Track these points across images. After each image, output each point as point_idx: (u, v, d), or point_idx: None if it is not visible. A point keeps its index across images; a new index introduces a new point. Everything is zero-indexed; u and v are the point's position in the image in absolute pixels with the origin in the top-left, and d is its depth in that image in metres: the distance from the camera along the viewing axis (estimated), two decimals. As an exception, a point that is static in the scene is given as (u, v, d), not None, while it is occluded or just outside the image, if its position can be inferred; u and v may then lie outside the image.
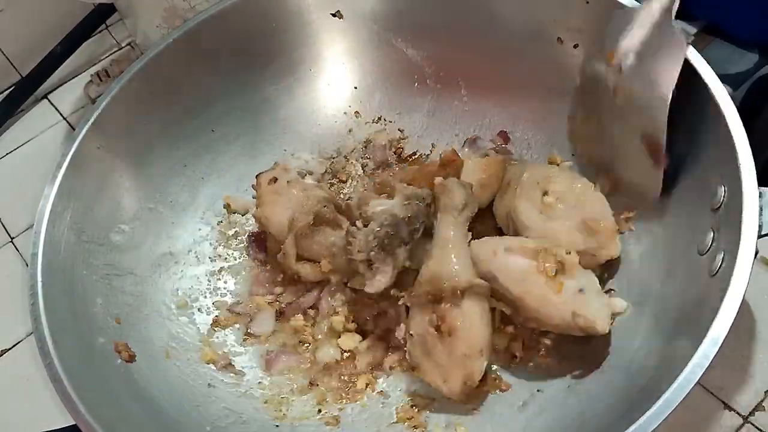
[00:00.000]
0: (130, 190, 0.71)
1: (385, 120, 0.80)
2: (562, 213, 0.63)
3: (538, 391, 0.60)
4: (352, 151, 0.80)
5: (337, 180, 0.78)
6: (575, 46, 0.69)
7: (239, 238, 0.76)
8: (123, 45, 1.01)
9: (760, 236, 0.51)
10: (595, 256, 0.62)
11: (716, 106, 0.56)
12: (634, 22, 0.55)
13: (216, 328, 0.69)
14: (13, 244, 0.83)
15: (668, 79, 0.55)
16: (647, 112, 0.57)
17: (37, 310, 0.58)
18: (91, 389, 0.56)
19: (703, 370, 0.47)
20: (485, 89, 0.76)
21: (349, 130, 0.80)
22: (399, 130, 0.80)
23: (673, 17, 0.55)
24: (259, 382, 0.66)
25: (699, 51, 0.80)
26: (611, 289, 0.63)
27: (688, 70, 0.59)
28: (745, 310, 0.63)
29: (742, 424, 0.59)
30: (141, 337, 0.65)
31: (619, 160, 0.64)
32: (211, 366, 0.66)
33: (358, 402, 0.64)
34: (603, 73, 0.58)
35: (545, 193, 0.64)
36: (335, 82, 0.80)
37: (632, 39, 0.55)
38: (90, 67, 0.99)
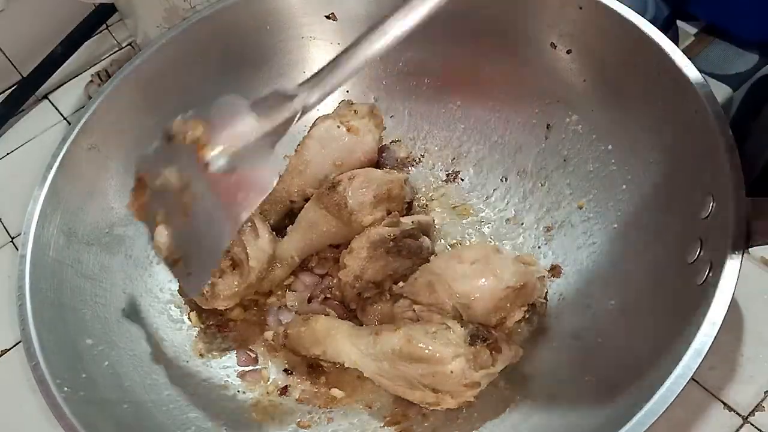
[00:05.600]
0: (121, 191, 0.71)
1: (376, 123, 0.80)
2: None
3: (524, 397, 0.60)
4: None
5: (329, 181, 0.78)
6: (568, 52, 0.69)
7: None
8: (123, 45, 1.01)
9: (747, 247, 0.50)
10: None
11: (706, 115, 0.55)
12: (243, 126, 0.49)
13: (206, 332, 0.69)
14: (13, 244, 0.83)
15: (243, 208, 0.49)
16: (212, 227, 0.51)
17: (25, 311, 0.59)
18: (77, 391, 0.56)
19: (686, 380, 0.47)
20: (478, 94, 0.76)
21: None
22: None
23: (275, 145, 0.49)
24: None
25: (699, 51, 0.80)
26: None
27: (678, 77, 0.59)
28: (745, 310, 0.64)
29: (742, 425, 0.59)
30: (130, 338, 0.65)
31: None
32: (200, 369, 0.66)
33: (346, 406, 0.64)
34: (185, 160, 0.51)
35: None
36: (328, 85, 0.80)
37: (234, 141, 0.49)
38: (90, 67, 0.99)
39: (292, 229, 0.71)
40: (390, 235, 0.66)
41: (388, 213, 0.69)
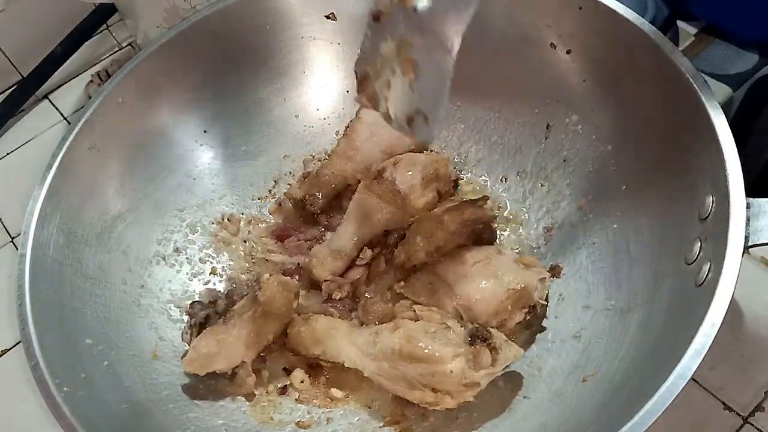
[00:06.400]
0: (121, 191, 0.71)
1: (376, 123, 0.80)
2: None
3: (524, 397, 0.60)
4: (344, 154, 0.80)
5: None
6: (568, 52, 0.69)
7: (230, 240, 0.76)
8: (123, 45, 1.01)
9: (746, 247, 0.50)
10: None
11: (706, 116, 0.55)
12: None
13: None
14: (14, 244, 0.83)
15: (456, 32, 0.55)
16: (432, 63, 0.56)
17: (24, 311, 0.59)
18: (77, 390, 0.56)
19: (686, 381, 0.46)
20: (478, 94, 0.76)
21: (338, 132, 0.80)
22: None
23: None
24: (247, 385, 0.66)
25: (699, 51, 0.80)
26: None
27: (678, 77, 0.58)
28: (745, 310, 0.64)
29: (742, 425, 0.59)
30: (129, 337, 0.65)
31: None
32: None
33: (345, 406, 0.64)
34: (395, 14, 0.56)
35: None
36: (328, 85, 0.80)
37: None
38: (91, 67, 0.99)
39: (346, 221, 0.70)
40: (477, 217, 0.65)
41: (438, 193, 0.70)
